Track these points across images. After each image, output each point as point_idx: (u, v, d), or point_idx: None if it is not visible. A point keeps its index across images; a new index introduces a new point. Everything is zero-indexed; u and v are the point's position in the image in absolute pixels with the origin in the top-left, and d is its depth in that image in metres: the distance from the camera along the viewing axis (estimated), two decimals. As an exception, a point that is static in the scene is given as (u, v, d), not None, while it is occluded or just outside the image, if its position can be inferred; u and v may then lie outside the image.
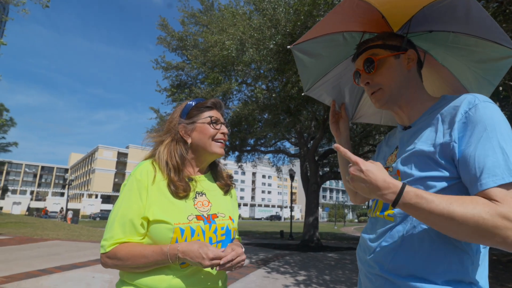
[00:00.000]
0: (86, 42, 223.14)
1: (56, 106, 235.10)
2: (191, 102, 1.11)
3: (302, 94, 1.41)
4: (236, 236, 1.14)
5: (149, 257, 0.89)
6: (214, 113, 1.10)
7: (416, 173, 0.79)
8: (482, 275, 0.78)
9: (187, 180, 1.03)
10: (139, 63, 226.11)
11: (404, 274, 0.78)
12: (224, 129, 1.10)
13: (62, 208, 35.54)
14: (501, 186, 0.67)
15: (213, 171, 1.18)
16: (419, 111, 0.91)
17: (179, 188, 0.99)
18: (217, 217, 1.04)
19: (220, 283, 1.02)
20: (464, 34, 0.91)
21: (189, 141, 1.07)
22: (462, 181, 0.74)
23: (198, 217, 0.99)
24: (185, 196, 1.00)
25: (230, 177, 1.20)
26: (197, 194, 1.04)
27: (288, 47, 1.19)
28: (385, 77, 0.92)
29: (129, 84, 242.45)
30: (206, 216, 1.01)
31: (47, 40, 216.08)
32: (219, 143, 1.08)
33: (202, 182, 1.09)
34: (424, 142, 0.81)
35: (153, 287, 0.92)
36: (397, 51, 0.91)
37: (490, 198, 0.67)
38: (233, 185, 1.20)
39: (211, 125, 1.07)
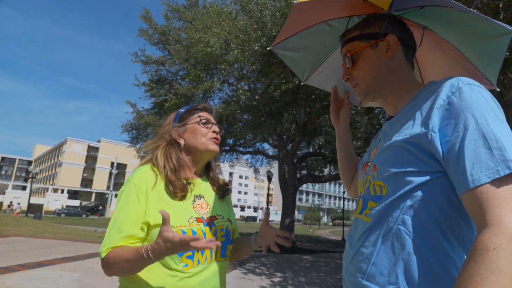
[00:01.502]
0: (57, 28, 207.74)
1: (21, 93, 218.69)
2: (182, 109, 1.14)
3: (302, 83, 1.32)
4: (237, 235, 1.20)
5: (130, 259, 0.86)
6: (204, 114, 1.12)
7: (391, 167, 0.73)
8: None
9: (184, 182, 1.03)
10: (114, 54, 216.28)
11: (382, 282, 0.70)
12: (215, 128, 1.11)
13: (11, 202, 34.55)
14: (496, 180, 0.57)
15: (208, 175, 1.18)
16: (405, 100, 0.83)
17: (177, 187, 0.99)
18: (216, 219, 1.05)
19: None
20: (456, 9, 0.84)
21: (182, 142, 1.08)
22: (450, 177, 0.66)
23: (198, 220, 1.00)
24: (183, 197, 1.00)
25: (226, 183, 1.21)
26: (195, 197, 1.05)
27: (268, 48, 1.13)
28: (362, 71, 0.87)
29: (103, 75, 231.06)
30: (206, 218, 1.02)
31: (13, 22, 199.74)
32: (212, 140, 1.09)
33: (199, 185, 1.10)
34: (401, 133, 0.74)
35: None
36: (375, 39, 0.85)
37: (480, 199, 0.58)
38: (230, 191, 1.21)
39: (201, 124, 1.09)
